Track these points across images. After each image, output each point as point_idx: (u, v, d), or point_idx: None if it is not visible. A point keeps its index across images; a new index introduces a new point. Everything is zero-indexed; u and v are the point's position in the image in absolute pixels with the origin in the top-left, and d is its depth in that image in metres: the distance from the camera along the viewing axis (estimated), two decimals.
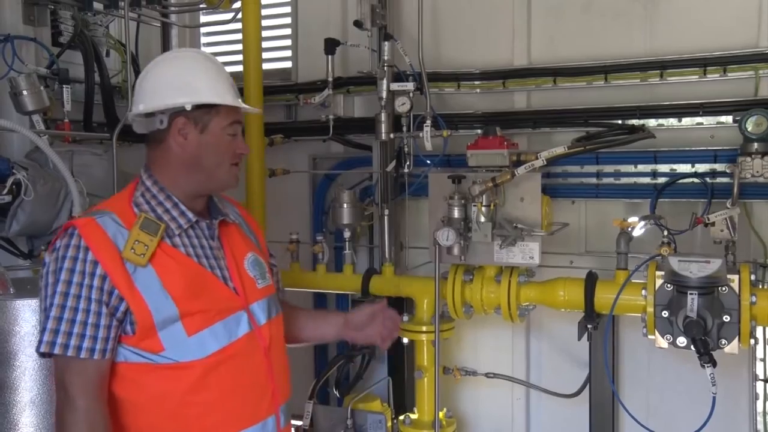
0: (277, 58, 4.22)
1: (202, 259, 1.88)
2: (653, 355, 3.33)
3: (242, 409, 1.87)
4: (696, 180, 3.14)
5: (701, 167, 3.16)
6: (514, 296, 3.11)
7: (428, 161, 3.45)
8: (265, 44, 3.52)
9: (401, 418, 3.39)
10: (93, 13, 3.53)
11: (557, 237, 3.27)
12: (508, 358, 3.67)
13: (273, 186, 3.62)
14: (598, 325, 2.98)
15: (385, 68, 3.44)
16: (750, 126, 2.87)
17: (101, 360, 1.74)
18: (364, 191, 3.82)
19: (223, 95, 1.90)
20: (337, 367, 3.59)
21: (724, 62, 3.15)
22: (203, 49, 4.41)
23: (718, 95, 3.18)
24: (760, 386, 3.17)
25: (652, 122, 3.27)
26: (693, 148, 3.20)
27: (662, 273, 2.76)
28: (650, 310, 2.77)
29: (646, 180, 3.29)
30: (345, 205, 3.52)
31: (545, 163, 2.89)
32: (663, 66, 3.26)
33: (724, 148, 3.12)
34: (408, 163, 3.48)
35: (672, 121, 3.27)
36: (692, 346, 2.65)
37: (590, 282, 2.98)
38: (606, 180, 3.36)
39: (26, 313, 2.26)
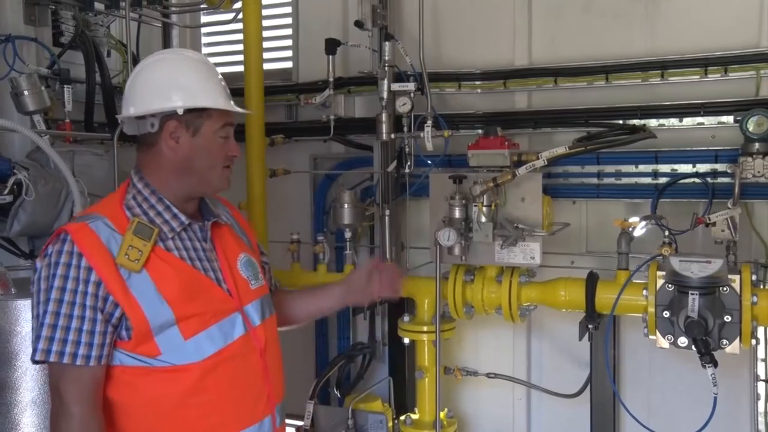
0: (277, 58, 4.21)
1: (196, 261, 1.86)
2: (654, 356, 3.33)
3: (239, 410, 1.87)
4: (697, 180, 3.14)
5: (702, 167, 3.16)
6: (515, 296, 3.11)
7: (429, 161, 3.45)
8: (265, 44, 3.52)
9: (402, 418, 3.39)
10: (94, 14, 3.52)
11: (558, 237, 3.27)
12: (509, 358, 3.67)
13: (274, 186, 3.62)
14: (599, 326, 2.98)
15: (386, 68, 3.44)
16: (751, 126, 2.87)
17: (97, 366, 1.72)
18: (365, 191, 3.81)
19: (216, 98, 1.87)
20: (338, 367, 3.59)
21: (725, 62, 3.15)
22: (204, 49, 4.41)
23: (719, 95, 3.18)
24: (761, 386, 3.17)
25: (653, 122, 3.27)
26: (694, 148, 3.20)
27: (663, 273, 2.76)
28: (651, 310, 2.78)
29: (647, 180, 3.29)
30: (346, 206, 3.52)
31: (546, 163, 2.90)
32: (664, 66, 3.25)
33: (725, 148, 3.12)
34: (409, 163, 3.48)
35: (673, 121, 3.27)
36: (693, 347, 2.65)
37: (591, 282, 2.98)
38: (607, 180, 3.36)
39: (27, 313, 2.25)
